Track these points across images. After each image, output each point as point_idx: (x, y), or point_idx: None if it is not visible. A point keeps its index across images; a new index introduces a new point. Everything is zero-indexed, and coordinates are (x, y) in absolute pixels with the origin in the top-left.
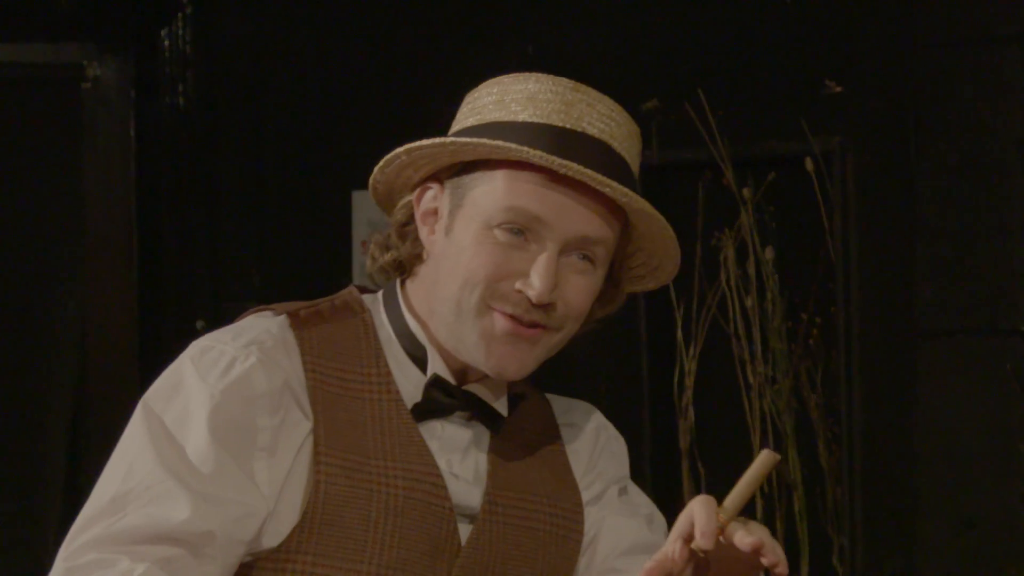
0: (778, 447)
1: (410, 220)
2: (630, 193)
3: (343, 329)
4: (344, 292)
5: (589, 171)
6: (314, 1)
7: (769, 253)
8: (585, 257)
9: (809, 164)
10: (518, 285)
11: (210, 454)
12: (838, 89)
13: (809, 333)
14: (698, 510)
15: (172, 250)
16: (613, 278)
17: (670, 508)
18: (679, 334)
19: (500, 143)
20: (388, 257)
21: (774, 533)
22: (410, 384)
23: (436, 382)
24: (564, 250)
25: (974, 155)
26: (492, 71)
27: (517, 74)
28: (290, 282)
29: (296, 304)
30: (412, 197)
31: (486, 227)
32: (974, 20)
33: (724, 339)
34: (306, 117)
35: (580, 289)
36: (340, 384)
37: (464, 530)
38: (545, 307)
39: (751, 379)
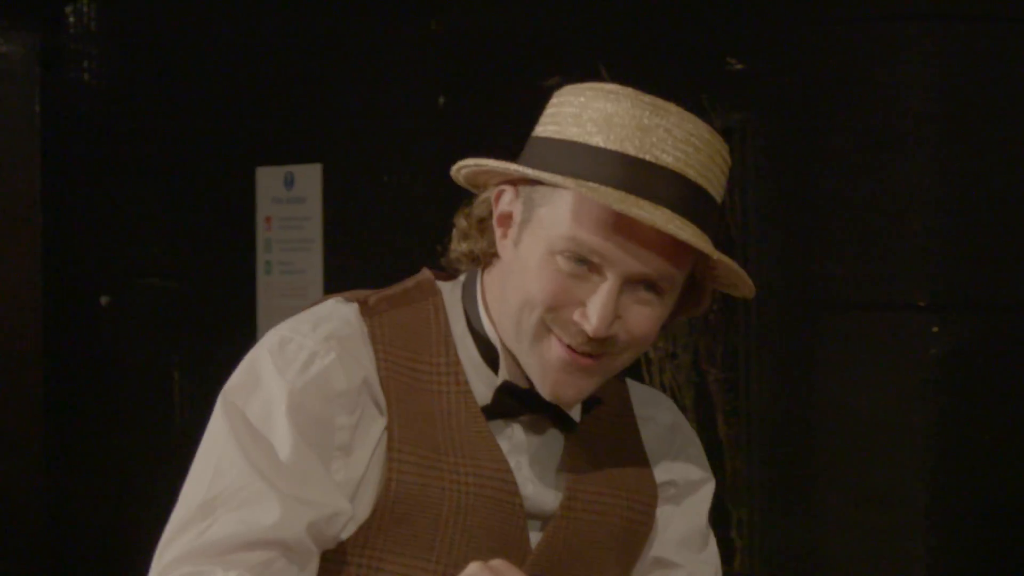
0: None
1: (488, 215)
2: (697, 235)
3: (413, 314)
4: (417, 275)
5: (657, 214)
6: None
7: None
8: (651, 290)
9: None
10: (576, 316)
11: (295, 452)
12: (740, 66)
13: (709, 308)
14: None
15: (77, 225)
16: (696, 286)
17: None
18: None
19: (562, 178)
20: (464, 248)
21: None
22: (481, 383)
23: (506, 387)
24: (626, 284)
25: (875, 131)
26: (395, 47)
27: (601, 87)
28: (196, 257)
29: (367, 291)
30: (492, 194)
31: (549, 252)
32: None
33: None
34: (212, 94)
35: (643, 318)
36: (411, 375)
37: (532, 531)
38: (605, 341)
39: (651, 354)
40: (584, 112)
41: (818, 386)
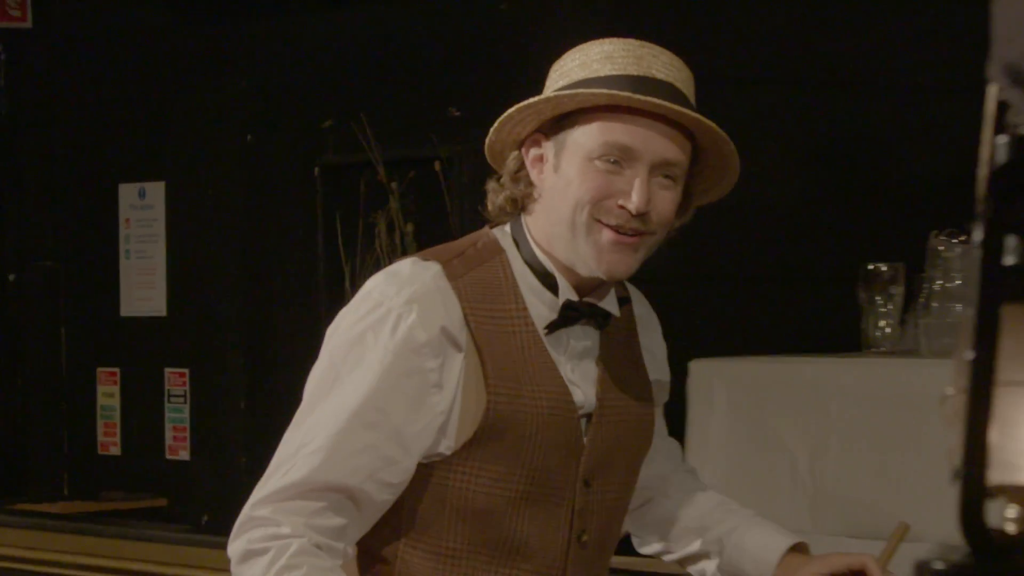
0: None
1: (521, 167)
2: (696, 114)
3: (488, 272)
4: (481, 233)
5: (665, 103)
6: (95, 9)
7: (409, 228)
8: (667, 176)
9: (437, 165)
10: (620, 202)
11: (365, 412)
12: (457, 113)
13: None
14: (870, 567)
15: None
16: (687, 193)
17: None
18: (347, 284)
19: (593, 91)
20: (502, 199)
21: None
22: (544, 306)
23: (567, 304)
24: (652, 172)
25: None
26: (217, 96)
27: (593, 42)
28: (77, 246)
29: (447, 252)
30: (521, 150)
31: (587, 159)
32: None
33: None
34: (88, 127)
35: (667, 200)
36: (492, 322)
37: (585, 432)
38: (642, 217)
39: None
40: (587, 58)
41: None
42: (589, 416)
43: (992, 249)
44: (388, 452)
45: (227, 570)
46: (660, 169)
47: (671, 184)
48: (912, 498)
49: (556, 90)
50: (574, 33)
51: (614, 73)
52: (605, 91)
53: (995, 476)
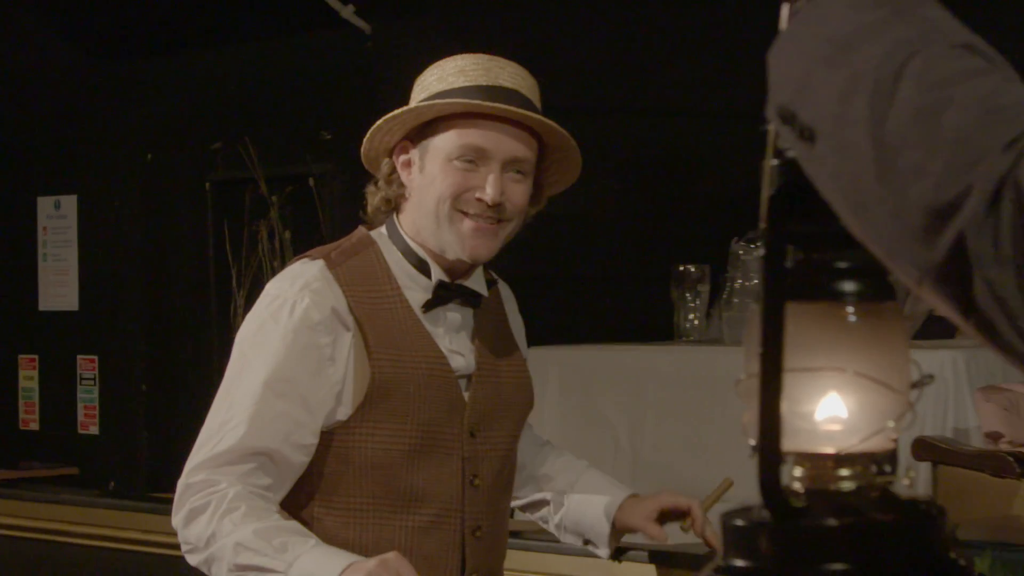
0: None
1: (392, 171)
2: (540, 116)
3: (362, 260)
4: (356, 232)
5: (510, 107)
6: (16, 48)
7: (287, 235)
8: (518, 171)
9: (311, 181)
10: (478, 195)
11: (275, 383)
12: (328, 136)
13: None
14: (695, 509)
15: None
16: (538, 184)
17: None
18: (233, 283)
19: (448, 100)
20: (379, 198)
21: None
22: (418, 288)
23: (440, 284)
24: (504, 168)
25: None
26: (119, 121)
27: (449, 59)
28: (5, 251)
29: (326, 248)
30: (392, 156)
31: (447, 160)
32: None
33: (260, 286)
34: (11, 137)
35: (519, 192)
36: (370, 302)
37: (466, 391)
38: (498, 206)
39: None
40: (443, 72)
41: None
42: (469, 377)
43: (774, 255)
44: (298, 416)
45: (130, 528)
46: (511, 165)
47: (522, 178)
48: (716, 464)
49: (417, 102)
50: (419, 72)
51: (467, 84)
52: (459, 100)
53: (784, 444)
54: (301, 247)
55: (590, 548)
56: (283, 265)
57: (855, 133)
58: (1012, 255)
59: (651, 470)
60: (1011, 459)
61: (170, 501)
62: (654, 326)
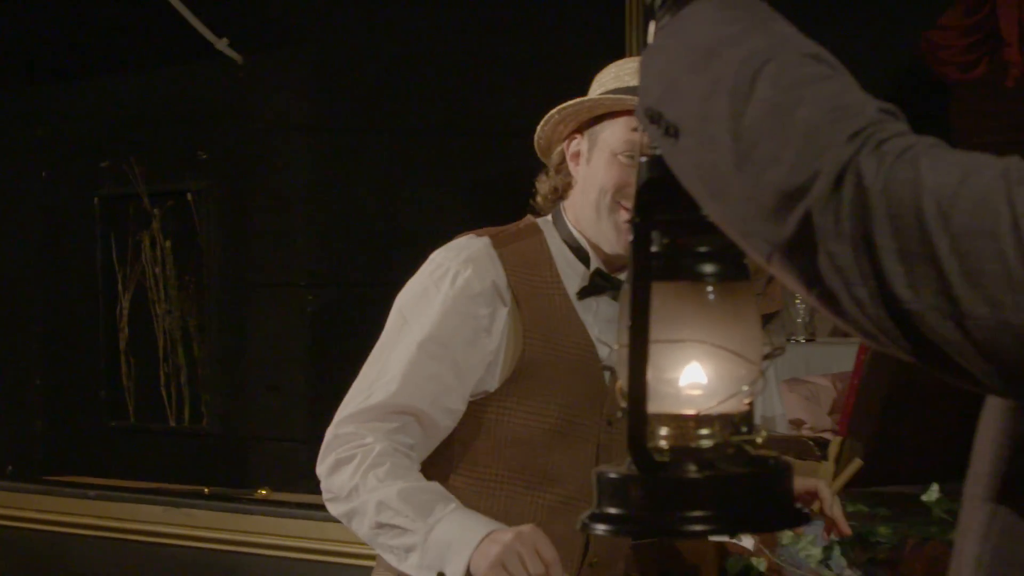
0: (169, 345)
1: (562, 161)
2: None
3: (527, 246)
4: (524, 219)
5: None
6: None
7: (168, 244)
8: None
9: (189, 197)
10: None
11: (430, 346)
12: (204, 156)
13: (212, 289)
14: (822, 490)
15: None
16: None
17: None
18: (119, 287)
19: (620, 96)
20: (547, 187)
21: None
22: (577, 275)
23: (596, 272)
24: None
25: (270, 190)
26: (19, 142)
27: (629, 57)
28: None
29: (495, 231)
30: (563, 146)
31: (612, 154)
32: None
33: (143, 290)
34: None
35: None
36: (529, 286)
37: (609, 381)
38: None
39: (159, 310)
40: (620, 71)
41: (249, 336)
42: (613, 369)
43: (642, 240)
44: (449, 381)
45: (25, 508)
46: None
47: None
48: None
49: (596, 96)
50: (287, 99)
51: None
52: (629, 97)
53: (650, 407)
54: (180, 255)
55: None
56: (164, 271)
57: (716, 128)
58: (851, 231)
59: None
60: (812, 443)
61: (63, 484)
62: None
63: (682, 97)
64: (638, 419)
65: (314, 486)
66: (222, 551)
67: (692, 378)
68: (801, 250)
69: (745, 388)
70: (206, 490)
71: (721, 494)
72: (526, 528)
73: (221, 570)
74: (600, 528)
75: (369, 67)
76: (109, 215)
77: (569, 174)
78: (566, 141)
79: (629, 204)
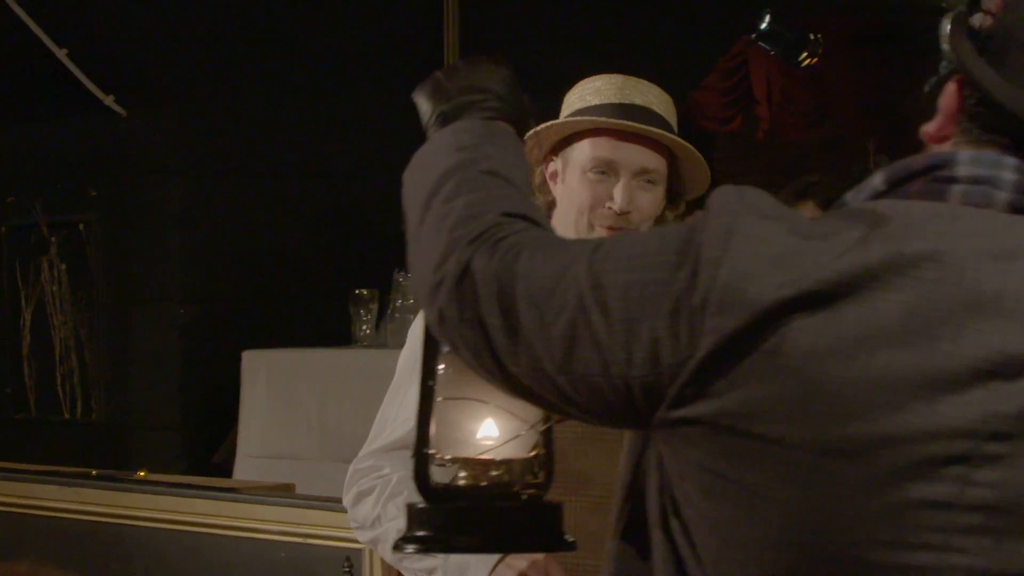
0: (64, 350)
1: (543, 182)
2: (660, 130)
3: None
4: None
5: (632, 123)
6: None
7: (64, 267)
8: (648, 180)
9: (81, 227)
10: (608, 204)
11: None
12: (94, 193)
13: (100, 303)
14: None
15: None
16: (674, 191)
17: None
18: (22, 303)
19: (582, 118)
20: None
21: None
22: None
23: None
24: (634, 178)
25: (165, 222)
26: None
27: (588, 80)
28: None
29: None
30: (542, 167)
31: (583, 172)
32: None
33: (42, 304)
34: None
35: (648, 200)
36: None
37: None
38: (626, 215)
39: (56, 321)
40: (583, 92)
41: (132, 340)
42: None
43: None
44: None
45: None
46: (640, 175)
47: (651, 186)
48: None
49: (562, 118)
50: (162, 145)
51: (602, 102)
52: (587, 118)
53: (449, 452)
54: (74, 276)
55: None
56: (60, 289)
57: (409, 230)
58: (471, 316)
59: (332, 441)
60: None
61: None
62: (338, 334)
63: (406, 200)
64: (421, 460)
65: (185, 467)
66: (106, 523)
67: (485, 431)
68: (445, 330)
69: (516, 437)
70: (93, 472)
71: (493, 523)
72: (540, 558)
73: (105, 540)
74: (408, 548)
75: (231, 118)
76: (15, 242)
77: (550, 193)
78: (544, 162)
79: (603, 223)
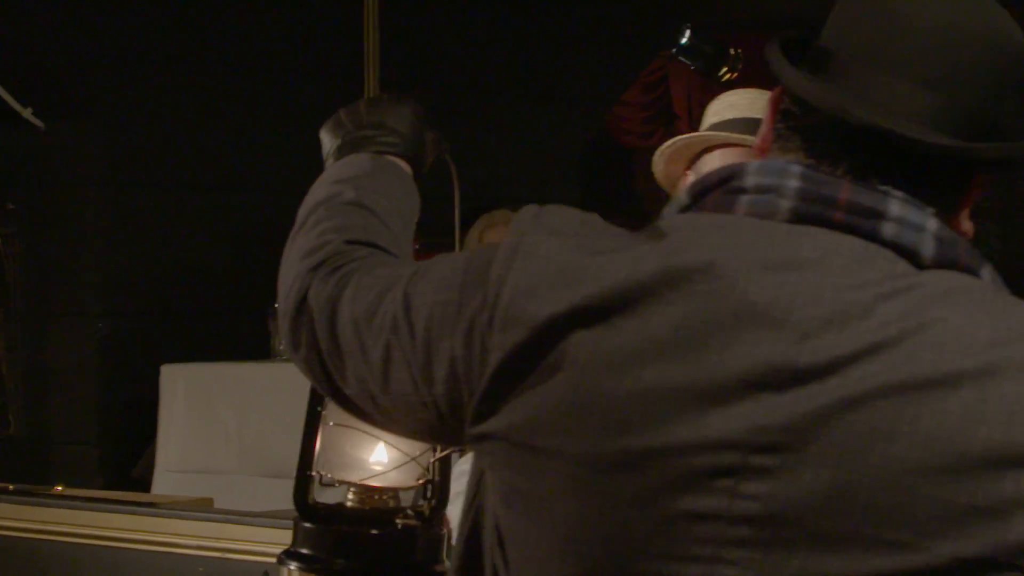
0: None
1: None
2: None
3: None
4: None
5: (750, 137)
6: None
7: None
8: None
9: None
10: None
11: None
12: (12, 207)
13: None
14: None
15: None
16: None
17: None
18: None
19: (712, 133)
20: None
21: None
22: None
23: None
24: None
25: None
26: None
27: (725, 92)
28: None
29: None
30: (683, 181)
31: None
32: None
33: None
34: None
35: None
36: None
37: None
38: None
39: None
40: (719, 107)
41: (48, 363)
42: None
43: None
44: None
45: None
46: None
47: None
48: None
49: (691, 134)
50: (80, 158)
51: (734, 117)
52: (713, 133)
53: (338, 474)
54: (37, 278)
55: None
56: (10, 300)
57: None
58: (309, 340)
59: (252, 454)
60: None
61: None
62: (257, 348)
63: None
64: (302, 483)
65: (103, 482)
66: (24, 538)
67: (377, 456)
68: (295, 355)
69: (395, 467)
70: (11, 487)
71: (366, 546)
72: None
73: (21, 556)
74: (292, 564)
75: (150, 132)
76: None
77: None
78: (683, 177)
79: None
